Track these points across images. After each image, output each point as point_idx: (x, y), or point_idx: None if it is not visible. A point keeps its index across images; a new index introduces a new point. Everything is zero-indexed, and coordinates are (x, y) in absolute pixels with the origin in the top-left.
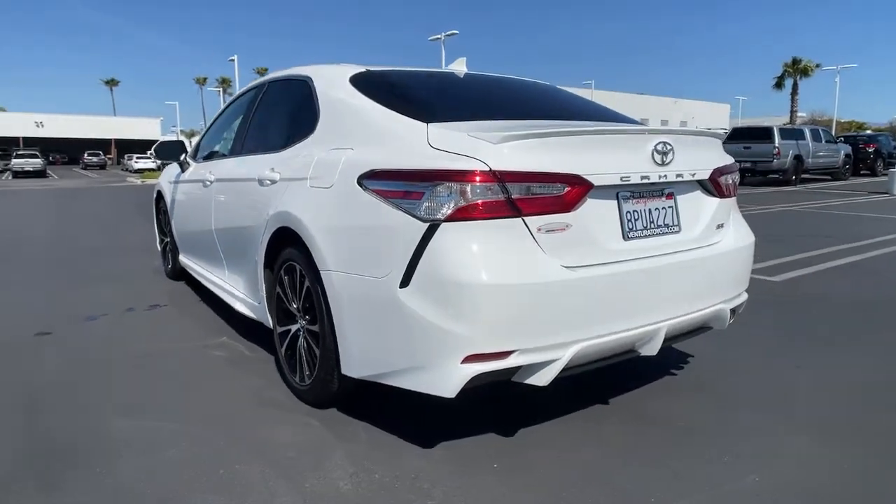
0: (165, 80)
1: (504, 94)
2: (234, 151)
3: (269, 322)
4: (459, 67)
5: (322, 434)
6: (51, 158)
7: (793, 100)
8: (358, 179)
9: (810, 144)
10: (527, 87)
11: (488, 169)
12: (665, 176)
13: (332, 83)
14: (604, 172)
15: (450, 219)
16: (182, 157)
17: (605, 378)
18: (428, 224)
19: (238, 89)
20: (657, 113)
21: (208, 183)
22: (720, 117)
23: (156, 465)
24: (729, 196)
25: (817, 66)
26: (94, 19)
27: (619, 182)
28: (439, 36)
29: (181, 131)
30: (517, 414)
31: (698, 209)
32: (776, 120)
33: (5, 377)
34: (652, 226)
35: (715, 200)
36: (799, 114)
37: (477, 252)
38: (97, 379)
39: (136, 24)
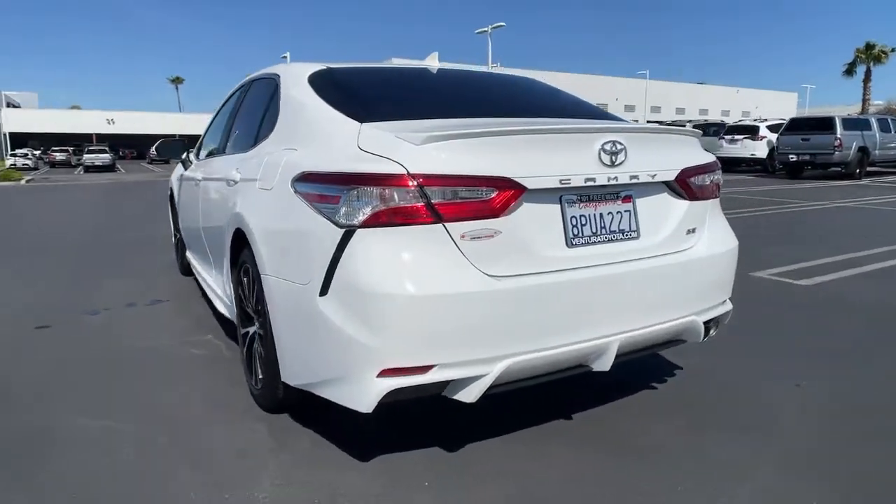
0: (226, 78)
1: (464, 90)
2: (220, 150)
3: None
4: (432, 62)
5: (265, 441)
6: (121, 153)
7: (865, 87)
8: (292, 182)
9: (877, 135)
10: (495, 83)
11: (405, 172)
12: (616, 178)
13: (293, 81)
14: (540, 175)
15: (365, 224)
16: (184, 155)
17: (574, 391)
18: (344, 230)
19: None
20: (719, 103)
21: (198, 182)
22: (786, 107)
23: (95, 467)
24: (703, 198)
25: (893, 50)
26: (162, 21)
27: (558, 185)
28: (486, 29)
29: None
30: (469, 427)
31: (664, 213)
32: (847, 109)
33: None
34: (603, 232)
35: (684, 203)
36: (874, 102)
37: (391, 260)
38: (75, 375)
39: (201, 25)
